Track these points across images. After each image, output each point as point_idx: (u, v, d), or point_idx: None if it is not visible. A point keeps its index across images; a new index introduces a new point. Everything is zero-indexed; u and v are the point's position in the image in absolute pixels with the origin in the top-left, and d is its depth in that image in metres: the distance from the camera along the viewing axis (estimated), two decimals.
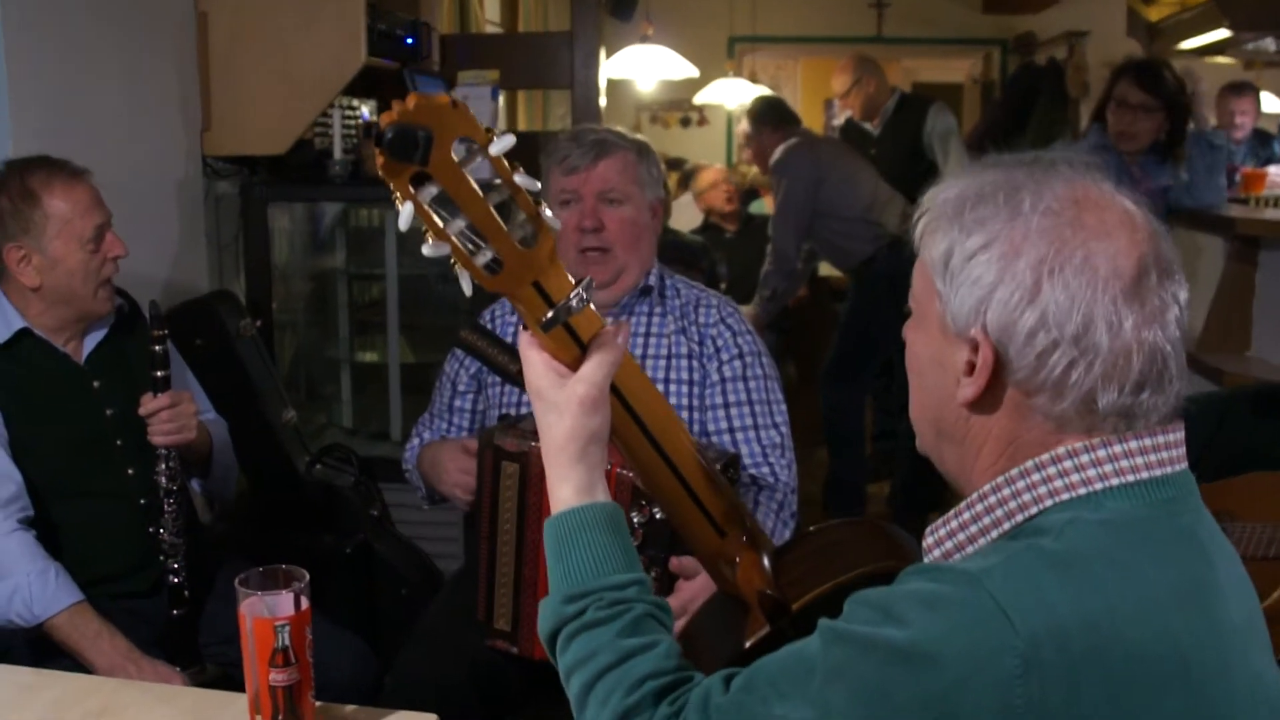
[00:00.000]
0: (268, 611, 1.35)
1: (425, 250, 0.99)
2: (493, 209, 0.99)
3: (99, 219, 2.04)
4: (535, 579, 1.88)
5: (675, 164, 6.82)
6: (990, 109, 7.19)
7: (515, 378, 2.17)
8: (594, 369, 1.11)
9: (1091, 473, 0.94)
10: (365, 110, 3.52)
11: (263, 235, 3.25)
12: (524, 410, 2.17)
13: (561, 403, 1.10)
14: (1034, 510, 0.96)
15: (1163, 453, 0.95)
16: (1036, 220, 0.95)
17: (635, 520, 1.74)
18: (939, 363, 1.02)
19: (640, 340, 2.19)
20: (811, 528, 1.34)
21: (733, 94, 6.95)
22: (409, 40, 3.43)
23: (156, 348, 2.03)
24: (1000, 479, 0.97)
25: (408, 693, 2.01)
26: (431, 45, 3.69)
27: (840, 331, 4.62)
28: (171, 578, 2.09)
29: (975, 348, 0.97)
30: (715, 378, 2.15)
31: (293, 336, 3.57)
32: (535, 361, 1.12)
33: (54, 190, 2.00)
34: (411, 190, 0.96)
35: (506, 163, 0.99)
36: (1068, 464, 0.95)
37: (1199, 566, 0.94)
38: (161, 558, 2.09)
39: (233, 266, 3.36)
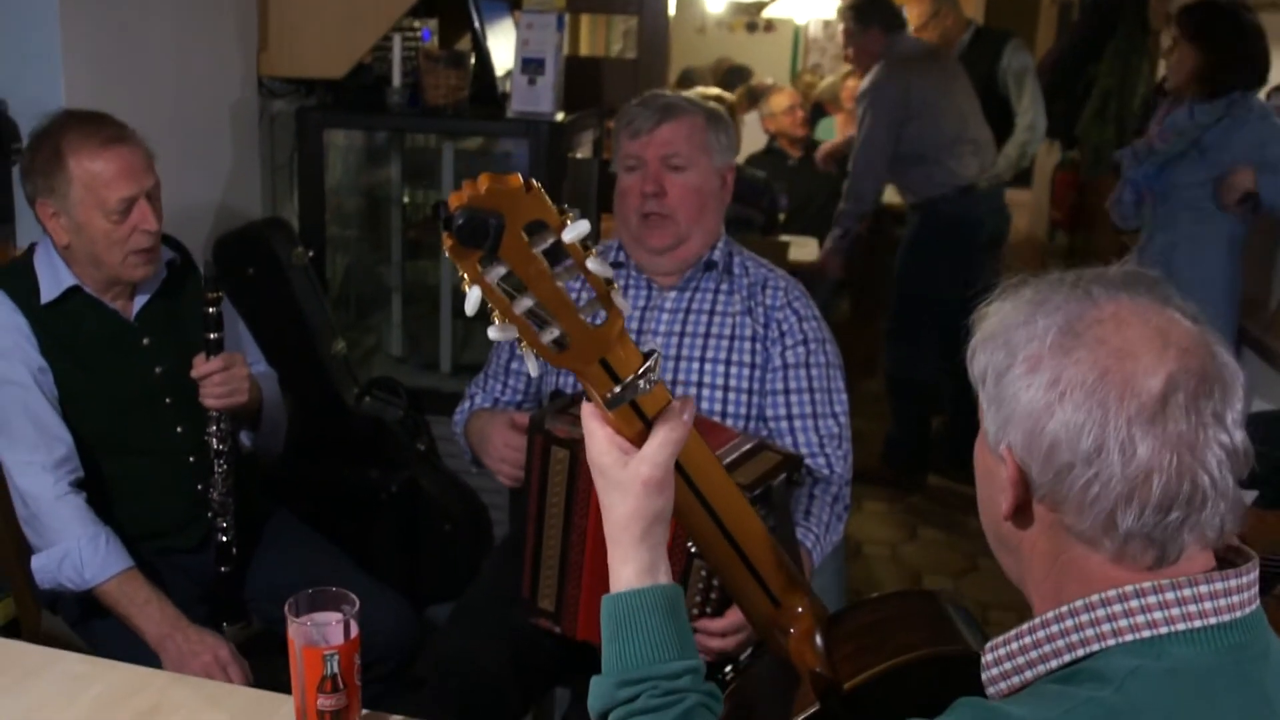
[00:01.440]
0: (317, 637, 1.33)
1: (491, 333, 0.96)
2: (561, 287, 0.96)
3: (127, 190, 1.94)
4: (581, 564, 1.87)
5: (739, 75, 6.64)
6: (1066, 33, 6.89)
7: None
8: (658, 449, 1.07)
9: (1158, 615, 0.92)
10: (426, 30, 3.41)
11: (317, 160, 3.17)
12: (578, 384, 2.14)
13: (625, 483, 1.07)
14: (1095, 647, 0.94)
15: (1234, 596, 0.92)
16: (1052, 338, 0.95)
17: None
18: (989, 475, 1.03)
19: (705, 318, 2.14)
20: (868, 597, 1.34)
21: (802, 7, 6.71)
22: None
23: (210, 309, 1.99)
24: (1064, 609, 0.95)
25: (447, 666, 2.02)
26: None
27: (898, 283, 4.52)
28: (220, 536, 2.10)
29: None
30: (777, 363, 2.10)
31: (344, 260, 3.53)
32: (598, 435, 1.09)
33: (81, 155, 1.91)
34: (479, 270, 0.92)
35: (581, 248, 0.94)
36: (1134, 603, 0.92)
37: None
38: (210, 515, 2.09)
39: (286, 188, 3.31)
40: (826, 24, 8.04)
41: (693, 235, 2.11)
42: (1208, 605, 0.91)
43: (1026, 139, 4.62)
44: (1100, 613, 0.93)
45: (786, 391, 2.10)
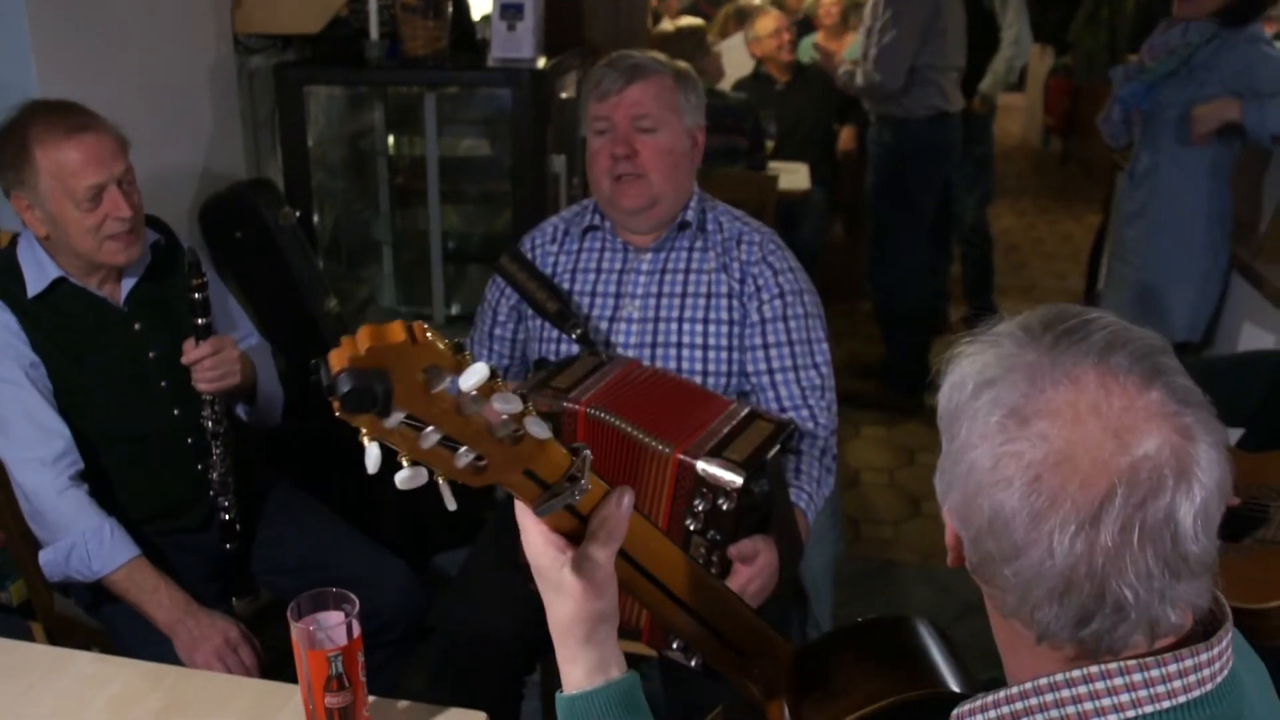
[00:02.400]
0: (322, 639, 1.36)
1: (399, 481, 0.87)
2: (470, 416, 0.87)
3: (94, 178, 1.92)
4: None
5: None
6: None
7: (551, 316, 2.14)
8: (596, 550, 1.02)
9: (1125, 698, 0.88)
10: None
11: (298, 117, 3.15)
12: (561, 347, 2.16)
13: (565, 585, 1.03)
14: None
15: (1204, 670, 0.89)
16: (999, 418, 0.88)
17: (699, 506, 1.74)
18: (949, 524, 0.98)
19: (680, 277, 2.14)
20: (838, 630, 1.31)
21: None
22: None
23: (196, 295, 1.99)
24: (1029, 685, 0.92)
25: (452, 633, 2.07)
26: None
27: (872, 212, 4.53)
28: (222, 515, 2.13)
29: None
30: (755, 318, 2.11)
31: (331, 213, 3.51)
32: (532, 533, 1.03)
33: (46, 146, 1.90)
34: (378, 422, 0.82)
35: (484, 385, 0.85)
36: (1099, 685, 0.89)
37: None
38: (212, 494, 2.12)
39: (269, 145, 3.29)
40: None
41: (665, 196, 2.10)
42: (1177, 684, 0.88)
43: (1013, 54, 4.59)
44: (1065, 694, 0.90)
45: (766, 346, 2.11)
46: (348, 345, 0.80)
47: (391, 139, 3.60)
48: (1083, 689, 0.89)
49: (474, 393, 0.85)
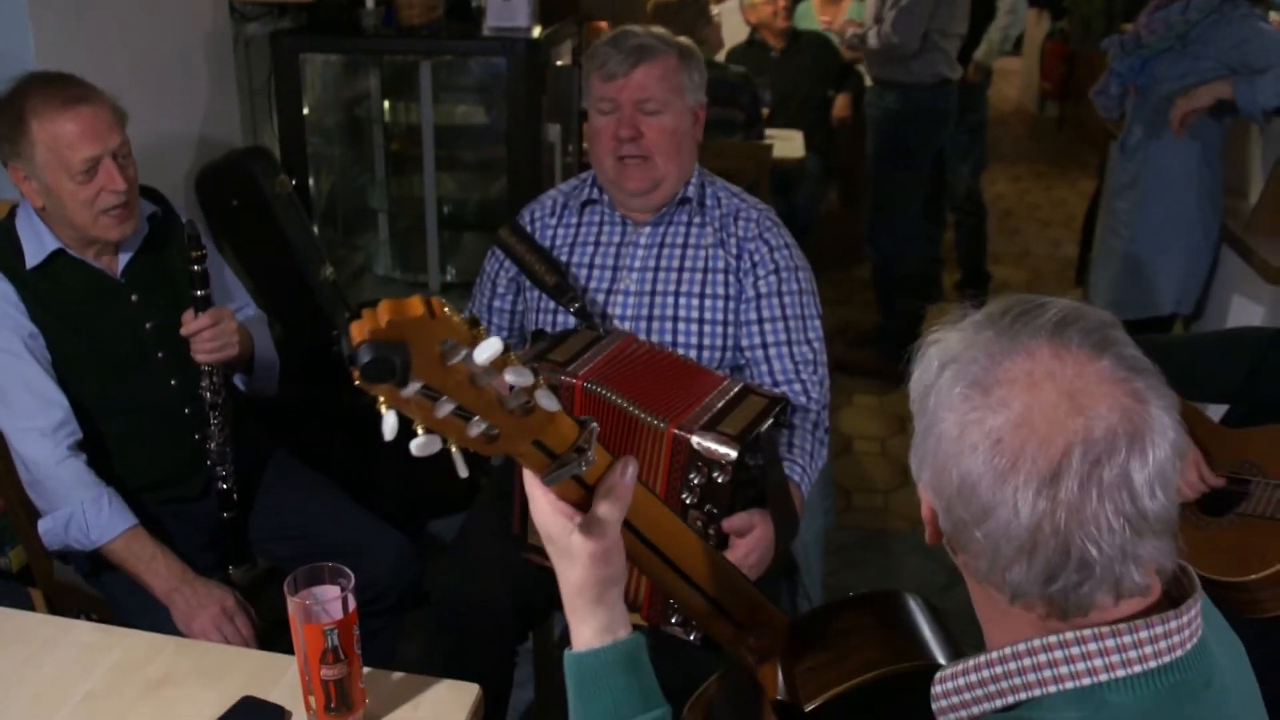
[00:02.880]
0: (318, 612, 1.39)
1: (414, 448, 0.91)
2: (483, 388, 0.91)
3: (90, 150, 1.93)
4: None
5: None
6: None
7: (549, 288, 2.16)
8: (603, 516, 1.06)
9: (1098, 662, 0.93)
10: None
11: (294, 84, 3.16)
12: (558, 319, 2.17)
13: (574, 551, 1.07)
14: (1037, 692, 0.95)
15: (1174, 637, 0.93)
16: (961, 390, 0.94)
17: (694, 480, 1.77)
18: (924, 500, 1.02)
19: (678, 251, 2.16)
20: (830, 602, 1.34)
21: None
22: None
23: (195, 268, 2.01)
24: (1008, 650, 0.96)
25: (448, 602, 2.10)
26: None
27: (874, 171, 4.53)
28: (220, 484, 2.15)
29: None
30: (750, 293, 2.13)
31: (327, 180, 3.52)
32: (541, 502, 1.07)
33: (42, 118, 1.91)
34: (396, 392, 0.87)
35: (497, 359, 0.89)
36: (1074, 650, 0.93)
37: None
38: (209, 464, 2.14)
39: (265, 113, 3.29)
40: None
41: (668, 176, 2.12)
42: (1147, 650, 0.92)
43: (1008, 23, 4.59)
44: (1042, 658, 0.94)
45: (760, 321, 2.13)
46: (369, 318, 0.84)
47: (387, 106, 3.60)
48: (1058, 654, 0.94)
49: (488, 365, 0.88)
